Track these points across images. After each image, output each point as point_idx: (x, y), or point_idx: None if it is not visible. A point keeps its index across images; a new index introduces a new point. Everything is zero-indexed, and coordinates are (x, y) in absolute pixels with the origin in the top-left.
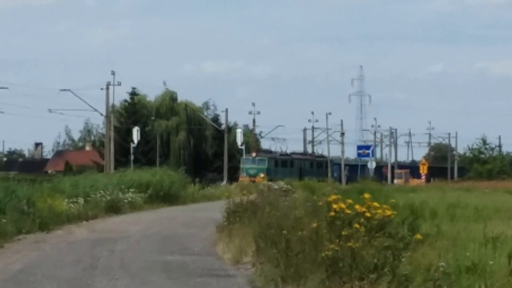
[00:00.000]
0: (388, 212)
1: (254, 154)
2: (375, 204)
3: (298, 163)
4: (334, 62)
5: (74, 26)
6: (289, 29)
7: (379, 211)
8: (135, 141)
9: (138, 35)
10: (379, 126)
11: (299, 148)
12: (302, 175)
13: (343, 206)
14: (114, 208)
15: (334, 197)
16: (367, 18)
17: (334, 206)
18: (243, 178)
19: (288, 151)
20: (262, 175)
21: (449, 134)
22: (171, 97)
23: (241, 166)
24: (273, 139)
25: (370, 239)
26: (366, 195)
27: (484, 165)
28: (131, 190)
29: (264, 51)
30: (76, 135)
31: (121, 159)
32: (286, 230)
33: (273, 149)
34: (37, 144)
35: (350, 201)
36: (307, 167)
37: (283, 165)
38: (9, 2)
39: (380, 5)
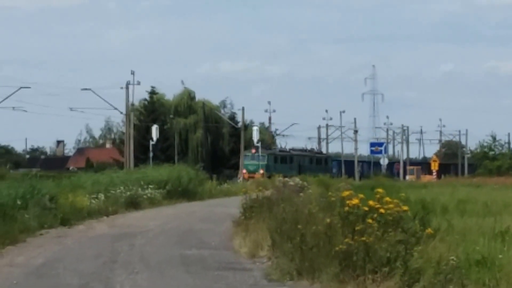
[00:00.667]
0: (405, 208)
1: (253, 151)
2: (387, 199)
3: (297, 159)
4: (347, 61)
5: (95, 27)
6: (303, 29)
7: (391, 205)
8: (154, 138)
9: (156, 35)
10: (391, 124)
11: (314, 146)
12: (302, 171)
13: (356, 201)
14: (133, 204)
15: (347, 192)
16: (379, 18)
17: (348, 201)
18: (244, 174)
19: (288, 147)
20: (261, 171)
21: (459, 131)
22: (189, 96)
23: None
24: (277, 134)
25: (383, 234)
26: (380, 190)
27: (493, 162)
28: (150, 186)
29: (279, 51)
30: (96, 133)
31: (141, 156)
32: (301, 225)
33: (283, 146)
34: (59, 142)
35: (361, 195)
36: (306, 163)
37: (283, 161)
38: (32, 4)
39: (392, 6)
